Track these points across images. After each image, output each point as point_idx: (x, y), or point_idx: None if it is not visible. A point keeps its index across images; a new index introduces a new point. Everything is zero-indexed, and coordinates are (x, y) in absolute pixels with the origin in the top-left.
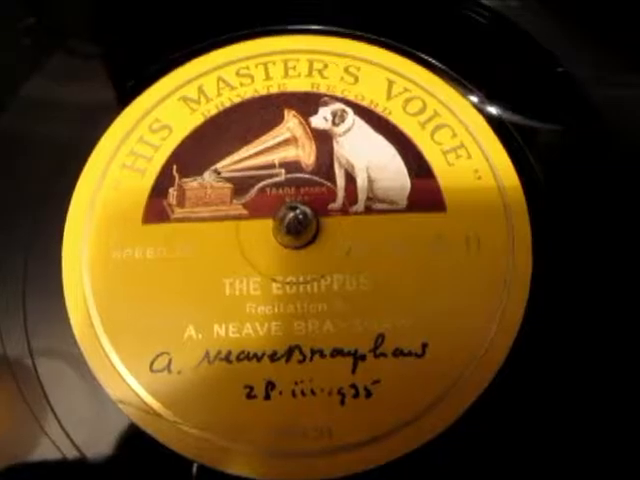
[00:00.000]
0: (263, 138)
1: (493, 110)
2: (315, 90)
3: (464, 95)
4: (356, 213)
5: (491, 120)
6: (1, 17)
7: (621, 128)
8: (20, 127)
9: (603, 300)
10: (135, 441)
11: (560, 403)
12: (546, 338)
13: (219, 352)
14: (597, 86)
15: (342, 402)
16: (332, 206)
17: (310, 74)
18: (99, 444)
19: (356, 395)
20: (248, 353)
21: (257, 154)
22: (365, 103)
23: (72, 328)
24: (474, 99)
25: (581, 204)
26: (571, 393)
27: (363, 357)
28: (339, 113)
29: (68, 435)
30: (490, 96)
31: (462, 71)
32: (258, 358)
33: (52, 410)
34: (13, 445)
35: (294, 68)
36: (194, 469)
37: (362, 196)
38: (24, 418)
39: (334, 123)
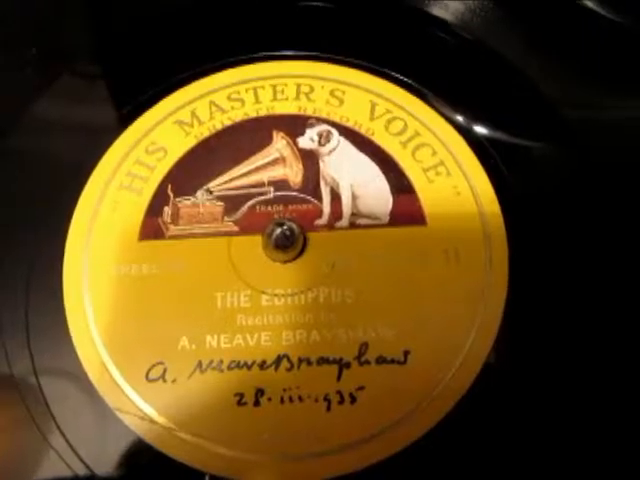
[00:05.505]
0: (253, 158)
1: (471, 129)
2: (302, 112)
3: (443, 115)
4: (341, 228)
5: (469, 138)
6: (4, 40)
7: (594, 147)
8: (25, 147)
9: (578, 309)
10: (133, 448)
11: (533, 406)
12: (521, 346)
13: (211, 361)
14: (571, 107)
15: (328, 408)
16: (318, 222)
17: (297, 97)
18: (100, 453)
19: (341, 401)
20: (239, 362)
21: (247, 174)
22: (349, 124)
23: (73, 344)
24: (453, 119)
25: (555, 218)
26: (544, 396)
27: (348, 365)
28: (325, 134)
29: (71, 446)
30: (468, 116)
31: (441, 93)
32: (248, 367)
33: (55, 422)
34: (21, 461)
35: (282, 92)
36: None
37: (347, 212)
38: (30, 433)
39: (320, 143)
